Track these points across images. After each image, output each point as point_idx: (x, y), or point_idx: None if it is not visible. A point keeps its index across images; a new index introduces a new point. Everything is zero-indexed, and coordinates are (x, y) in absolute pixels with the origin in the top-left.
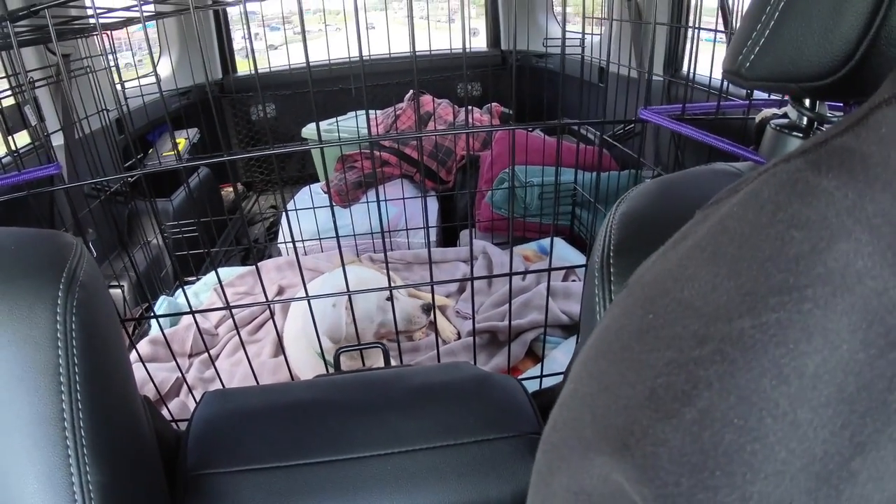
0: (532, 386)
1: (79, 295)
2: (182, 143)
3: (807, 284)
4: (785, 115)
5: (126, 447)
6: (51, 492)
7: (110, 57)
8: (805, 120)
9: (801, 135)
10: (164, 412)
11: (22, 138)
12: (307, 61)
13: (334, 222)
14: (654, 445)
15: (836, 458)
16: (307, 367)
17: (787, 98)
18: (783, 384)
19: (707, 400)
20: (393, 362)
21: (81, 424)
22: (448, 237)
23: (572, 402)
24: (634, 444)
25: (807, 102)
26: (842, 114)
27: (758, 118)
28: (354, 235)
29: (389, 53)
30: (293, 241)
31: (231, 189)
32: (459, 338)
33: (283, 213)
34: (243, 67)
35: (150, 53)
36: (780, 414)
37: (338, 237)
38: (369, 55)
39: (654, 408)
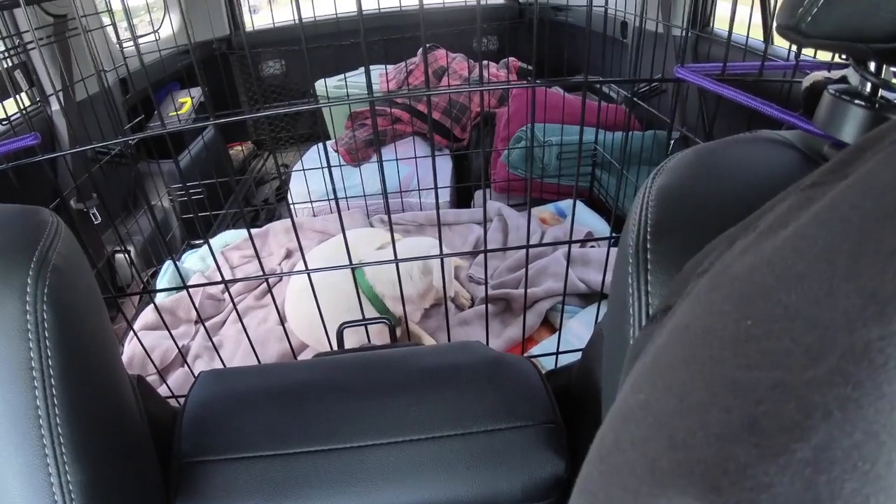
0: (548, 362)
1: (51, 280)
2: (188, 102)
3: None
4: (842, 80)
5: (111, 441)
6: (30, 493)
7: (105, 17)
8: (868, 86)
9: (863, 103)
10: (164, 389)
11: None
12: (300, 18)
13: (334, 188)
14: (755, 491)
15: None
16: (316, 325)
17: (840, 60)
18: None
19: (825, 434)
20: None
21: (58, 421)
22: (462, 197)
23: (643, 418)
24: (729, 486)
25: (871, 66)
26: None
27: (806, 82)
28: (364, 196)
29: (400, 6)
30: (292, 204)
31: (240, 149)
32: (473, 305)
33: (291, 174)
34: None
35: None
36: None
37: (336, 199)
38: (378, 9)
39: (756, 441)
